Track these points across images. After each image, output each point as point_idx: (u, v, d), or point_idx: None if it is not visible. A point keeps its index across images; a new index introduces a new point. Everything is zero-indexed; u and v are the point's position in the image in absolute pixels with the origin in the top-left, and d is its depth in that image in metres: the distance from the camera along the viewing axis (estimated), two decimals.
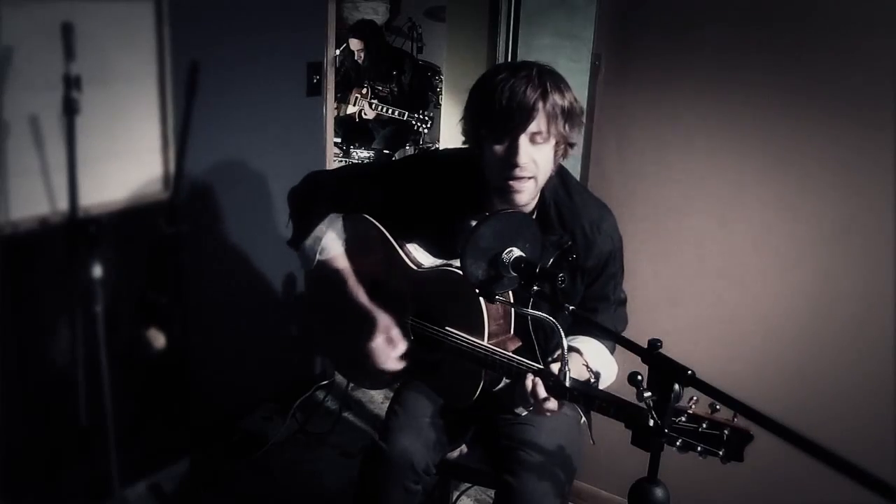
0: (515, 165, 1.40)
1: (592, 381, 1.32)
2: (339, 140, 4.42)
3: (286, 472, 2.47)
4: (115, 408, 1.63)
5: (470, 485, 2.23)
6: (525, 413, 1.58)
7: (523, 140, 1.39)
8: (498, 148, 1.42)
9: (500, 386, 1.61)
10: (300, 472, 2.48)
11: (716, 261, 2.00)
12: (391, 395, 1.74)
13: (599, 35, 2.04)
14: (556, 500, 1.49)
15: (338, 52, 4.37)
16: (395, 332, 1.60)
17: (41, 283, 1.82)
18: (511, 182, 1.43)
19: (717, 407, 1.11)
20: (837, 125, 1.77)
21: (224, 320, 2.48)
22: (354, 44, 4.50)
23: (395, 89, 4.50)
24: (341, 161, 4.39)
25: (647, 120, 2.03)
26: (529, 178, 1.43)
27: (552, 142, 1.42)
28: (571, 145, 1.46)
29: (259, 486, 2.39)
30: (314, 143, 2.74)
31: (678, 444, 1.14)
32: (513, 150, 1.39)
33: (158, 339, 1.94)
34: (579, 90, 2.06)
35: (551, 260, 1.33)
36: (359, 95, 4.37)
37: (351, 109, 4.41)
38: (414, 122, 4.32)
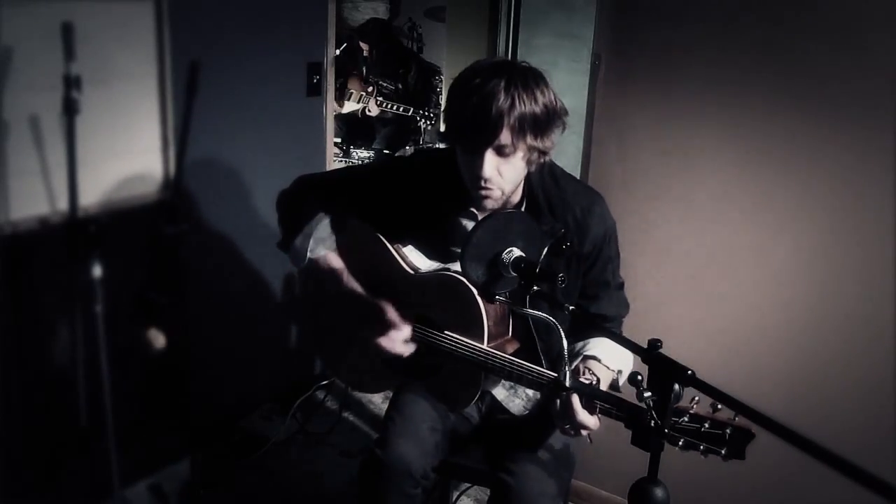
0: (480, 177, 1.40)
1: (615, 377, 1.43)
2: (339, 140, 4.42)
3: (286, 472, 2.47)
4: (115, 408, 1.63)
5: (470, 485, 2.23)
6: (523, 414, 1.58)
7: (489, 154, 1.38)
8: (466, 157, 1.43)
9: (496, 387, 1.61)
10: (300, 472, 2.48)
11: (716, 260, 2.00)
12: (391, 394, 1.74)
13: (599, 35, 2.04)
14: (554, 500, 1.49)
15: (338, 52, 4.37)
16: (395, 315, 1.57)
17: (41, 283, 1.82)
18: (478, 190, 1.44)
19: (719, 407, 1.12)
20: (838, 126, 1.77)
21: (224, 320, 2.48)
22: (363, 44, 4.50)
23: (400, 87, 4.51)
24: (341, 161, 4.39)
25: (646, 120, 2.03)
26: (495, 188, 1.43)
27: (519, 153, 1.40)
28: (544, 153, 1.44)
29: (259, 486, 2.39)
30: (314, 143, 2.73)
31: (680, 443, 1.16)
32: (478, 162, 1.39)
33: (158, 339, 1.94)
34: (579, 90, 2.07)
35: (546, 249, 1.32)
36: (364, 93, 4.37)
37: (354, 106, 4.40)
38: (419, 118, 4.33)
